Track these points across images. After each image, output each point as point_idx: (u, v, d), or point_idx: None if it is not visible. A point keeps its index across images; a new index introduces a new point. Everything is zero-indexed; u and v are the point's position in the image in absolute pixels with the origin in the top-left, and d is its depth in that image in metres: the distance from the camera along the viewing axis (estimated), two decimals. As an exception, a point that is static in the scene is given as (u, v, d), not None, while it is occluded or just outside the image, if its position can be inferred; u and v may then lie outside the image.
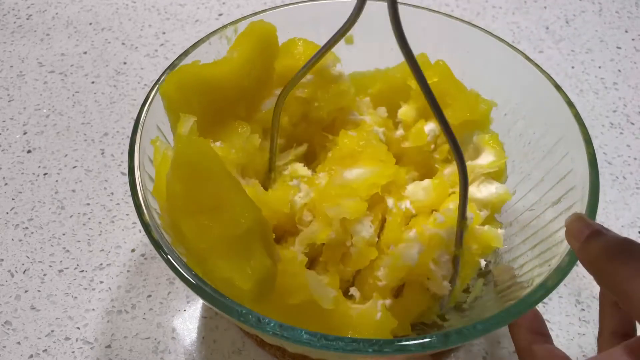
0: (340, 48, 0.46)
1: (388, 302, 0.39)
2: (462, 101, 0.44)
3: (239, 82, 0.41)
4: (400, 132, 0.46)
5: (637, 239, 0.53)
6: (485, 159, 0.44)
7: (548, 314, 0.48)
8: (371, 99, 0.48)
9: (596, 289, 0.50)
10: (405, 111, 0.46)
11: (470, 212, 0.40)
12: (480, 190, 0.43)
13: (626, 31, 0.74)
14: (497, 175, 0.44)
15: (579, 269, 0.51)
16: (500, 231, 0.42)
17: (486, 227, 0.41)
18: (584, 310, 0.48)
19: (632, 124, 0.63)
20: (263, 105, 0.44)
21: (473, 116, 0.45)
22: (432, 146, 0.45)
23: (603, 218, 0.54)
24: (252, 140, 0.41)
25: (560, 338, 0.47)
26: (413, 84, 0.45)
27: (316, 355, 0.40)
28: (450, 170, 0.44)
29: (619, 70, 0.69)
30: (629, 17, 0.76)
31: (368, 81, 0.48)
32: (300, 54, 0.43)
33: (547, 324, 0.47)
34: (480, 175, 0.44)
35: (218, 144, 0.40)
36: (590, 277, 0.50)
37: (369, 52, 0.49)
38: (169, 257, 0.34)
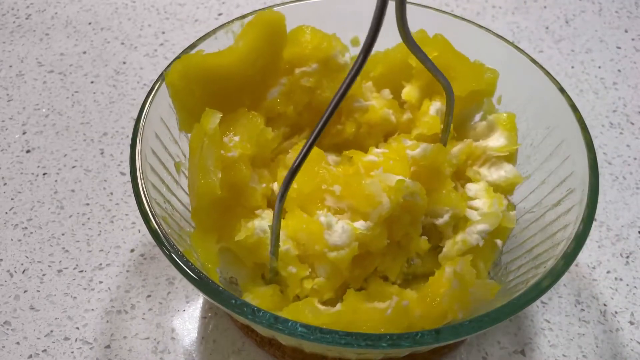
0: (345, 40, 0.46)
1: (406, 302, 0.39)
2: (466, 72, 0.44)
3: (244, 71, 0.41)
4: (407, 115, 0.46)
5: (637, 239, 0.53)
6: (497, 142, 0.44)
7: (548, 313, 0.48)
8: (373, 82, 0.48)
9: (596, 289, 0.50)
10: (409, 91, 0.46)
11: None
12: (490, 173, 0.43)
13: (626, 31, 0.74)
14: (508, 158, 0.44)
15: (580, 269, 0.51)
16: (512, 213, 0.42)
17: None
18: (583, 310, 0.48)
19: (632, 123, 0.63)
20: (269, 94, 0.44)
21: (479, 86, 0.44)
22: (442, 126, 0.45)
23: (603, 218, 0.54)
24: (265, 133, 0.41)
25: (560, 338, 0.47)
26: (413, 62, 0.45)
27: (311, 349, 0.40)
28: (459, 148, 0.44)
29: (619, 70, 0.69)
30: (629, 17, 0.76)
31: (368, 64, 0.48)
32: (307, 42, 0.43)
33: (547, 324, 0.47)
34: (492, 157, 0.44)
35: (237, 138, 0.40)
36: (590, 277, 0.50)
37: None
38: (165, 247, 0.35)
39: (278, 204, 0.36)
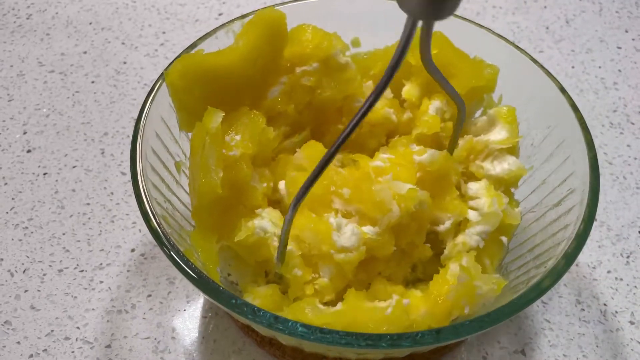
0: (345, 40, 0.46)
1: (406, 301, 0.39)
2: (466, 69, 0.44)
3: (244, 71, 0.41)
4: (407, 114, 0.46)
5: (637, 239, 0.53)
6: (499, 135, 0.43)
7: (548, 313, 0.48)
8: (374, 81, 0.47)
9: (596, 289, 0.50)
10: (409, 90, 0.46)
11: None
12: (494, 167, 0.43)
13: (626, 31, 0.74)
14: (511, 151, 0.44)
15: (580, 269, 0.51)
16: (517, 210, 0.42)
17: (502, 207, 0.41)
18: (584, 310, 0.48)
19: (632, 123, 0.63)
20: (269, 92, 0.44)
21: (479, 82, 0.44)
22: (442, 125, 0.45)
23: (603, 218, 0.54)
24: (266, 132, 0.41)
25: (560, 338, 0.47)
26: (413, 59, 0.45)
27: (311, 349, 0.40)
28: (460, 145, 0.44)
29: (619, 70, 0.69)
30: (629, 17, 0.76)
31: (368, 62, 0.48)
32: (308, 41, 0.43)
33: (547, 324, 0.47)
34: (494, 151, 0.43)
35: (238, 137, 0.40)
36: (590, 277, 0.50)
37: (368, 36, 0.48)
38: (166, 247, 0.35)
39: (291, 211, 0.35)
